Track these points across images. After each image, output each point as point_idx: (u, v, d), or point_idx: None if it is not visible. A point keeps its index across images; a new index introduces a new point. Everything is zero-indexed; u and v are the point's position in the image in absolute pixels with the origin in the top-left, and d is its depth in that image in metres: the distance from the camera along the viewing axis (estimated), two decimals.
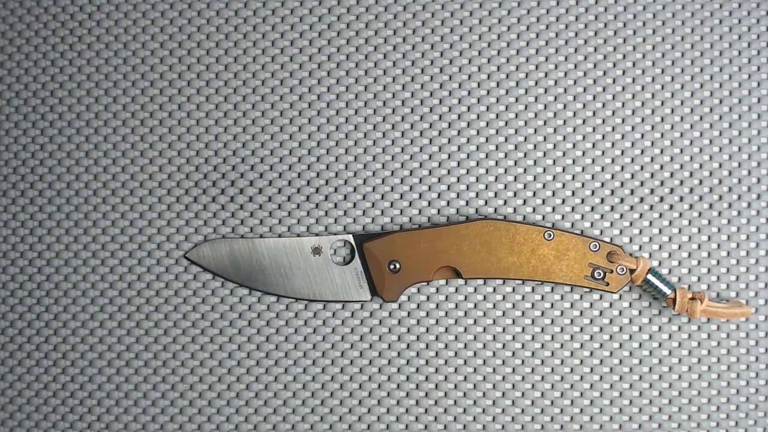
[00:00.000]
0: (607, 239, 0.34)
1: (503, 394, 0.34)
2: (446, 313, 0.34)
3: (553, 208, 0.34)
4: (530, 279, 0.33)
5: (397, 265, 0.33)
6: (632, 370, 0.33)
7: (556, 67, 0.34)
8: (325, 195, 0.34)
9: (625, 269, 0.32)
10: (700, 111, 0.34)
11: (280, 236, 0.34)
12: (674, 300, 0.32)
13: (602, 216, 0.34)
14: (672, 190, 0.34)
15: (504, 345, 0.34)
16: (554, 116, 0.34)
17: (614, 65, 0.34)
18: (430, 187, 0.34)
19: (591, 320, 0.34)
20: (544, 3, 0.34)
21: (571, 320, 0.34)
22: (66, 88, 0.35)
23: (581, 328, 0.34)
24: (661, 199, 0.34)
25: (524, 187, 0.34)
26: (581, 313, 0.34)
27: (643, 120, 0.34)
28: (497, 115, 0.34)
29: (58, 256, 0.35)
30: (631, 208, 0.34)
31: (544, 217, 0.34)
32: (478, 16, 0.34)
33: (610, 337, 0.33)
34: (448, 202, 0.34)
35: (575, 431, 0.33)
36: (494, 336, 0.34)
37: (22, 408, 0.35)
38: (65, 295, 0.35)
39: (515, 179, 0.34)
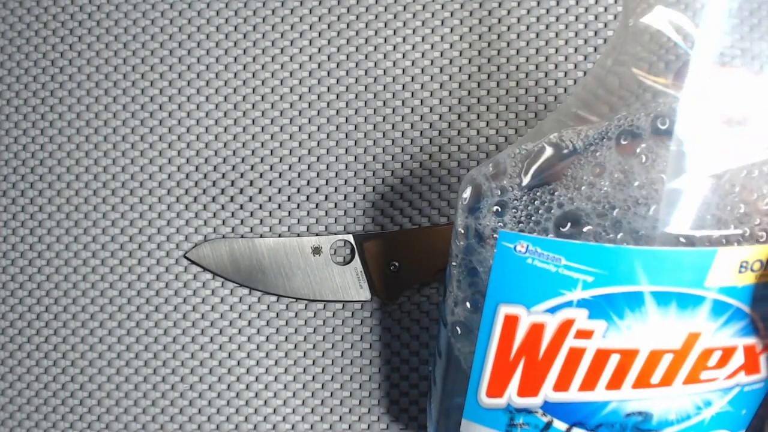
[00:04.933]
0: None
1: None
2: None
3: None
4: None
5: (397, 265, 0.33)
6: None
7: (556, 67, 0.34)
8: (325, 195, 0.34)
9: None
10: None
11: (280, 236, 0.34)
12: None
13: None
14: None
15: None
16: None
17: None
18: (430, 187, 0.34)
19: None
20: (544, 3, 0.34)
21: None
22: (66, 88, 0.35)
23: None
24: None
25: None
26: None
27: None
28: (497, 115, 0.34)
29: (58, 256, 0.35)
30: None
31: None
32: (478, 16, 0.34)
33: None
34: (448, 202, 0.34)
35: None
36: None
37: (22, 408, 0.35)
38: (65, 295, 0.35)
39: None
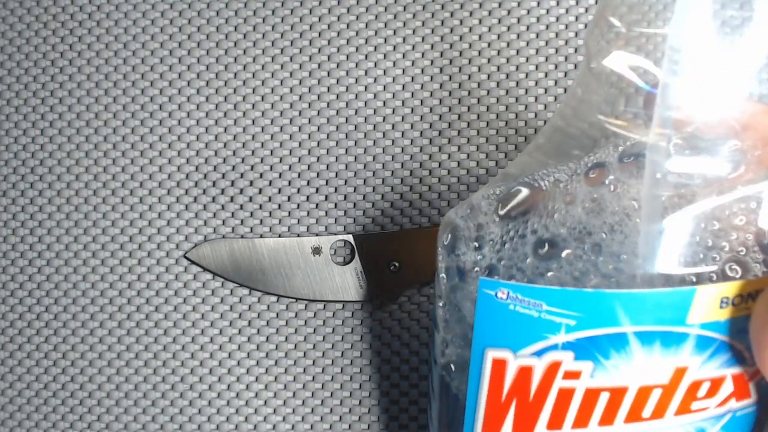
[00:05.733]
0: None
1: None
2: None
3: None
4: None
5: (397, 265, 0.33)
6: None
7: (556, 67, 0.34)
8: (325, 195, 0.34)
9: None
10: None
11: (280, 236, 0.34)
12: None
13: None
14: None
15: None
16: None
17: None
18: (430, 187, 0.34)
19: None
20: (544, 3, 0.34)
21: None
22: (66, 88, 0.35)
23: None
24: None
25: None
26: None
27: None
28: (497, 115, 0.34)
29: (58, 256, 0.35)
30: None
31: None
32: (478, 17, 0.34)
33: None
34: (448, 202, 0.34)
35: None
36: None
37: (22, 408, 0.35)
38: (65, 295, 0.35)
39: None
